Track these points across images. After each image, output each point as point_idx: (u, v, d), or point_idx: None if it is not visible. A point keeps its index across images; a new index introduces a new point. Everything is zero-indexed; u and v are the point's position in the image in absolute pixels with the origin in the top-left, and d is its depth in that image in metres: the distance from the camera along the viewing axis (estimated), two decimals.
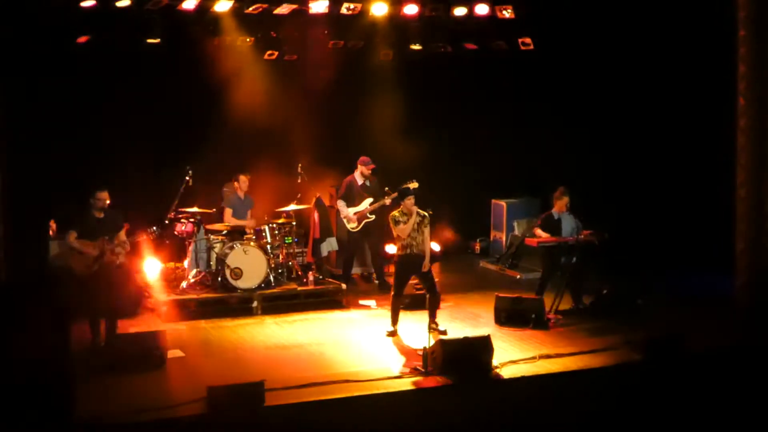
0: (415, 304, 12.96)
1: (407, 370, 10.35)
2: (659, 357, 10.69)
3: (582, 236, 12.71)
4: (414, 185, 14.18)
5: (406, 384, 9.98)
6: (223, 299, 13.11)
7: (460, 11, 14.78)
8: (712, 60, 13.91)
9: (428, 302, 11.98)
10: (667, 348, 10.83)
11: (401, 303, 12.10)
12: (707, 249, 14.17)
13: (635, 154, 15.64)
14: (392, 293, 11.97)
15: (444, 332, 11.81)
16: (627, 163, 15.67)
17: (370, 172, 14.41)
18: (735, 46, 12.10)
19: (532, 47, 15.52)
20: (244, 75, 15.20)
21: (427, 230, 11.90)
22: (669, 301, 13.26)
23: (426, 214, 11.88)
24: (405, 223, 11.74)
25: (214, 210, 14.24)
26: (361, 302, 13.74)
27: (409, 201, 11.82)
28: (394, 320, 11.97)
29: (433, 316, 11.92)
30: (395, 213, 11.87)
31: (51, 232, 12.74)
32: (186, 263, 14.05)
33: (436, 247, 11.64)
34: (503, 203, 16.93)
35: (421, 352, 10.42)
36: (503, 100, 16.65)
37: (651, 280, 13.85)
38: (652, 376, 10.42)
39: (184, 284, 13.38)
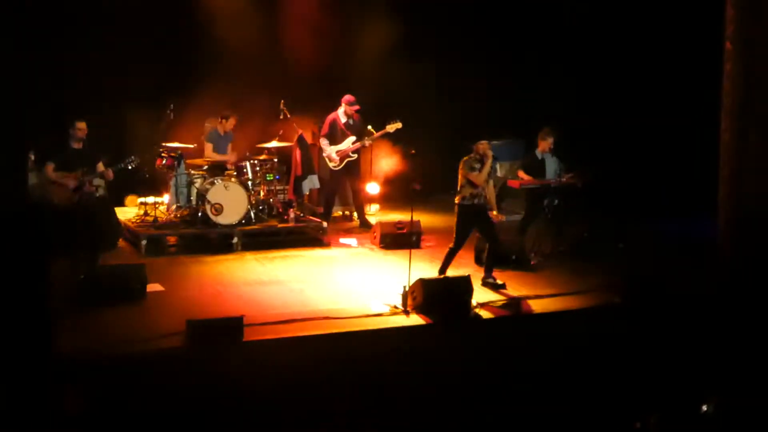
0: (395, 243, 12.98)
1: (387, 309, 10.35)
2: (639, 300, 10.74)
3: (565, 178, 12.71)
4: (397, 125, 14.15)
5: (384, 322, 10.00)
6: (203, 235, 13.06)
7: None
8: (700, 5, 13.80)
9: (487, 254, 11.45)
10: (647, 291, 10.88)
11: (455, 255, 11.31)
12: (690, 195, 14.18)
13: (622, 98, 15.57)
14: (451, 246, 11.24)
15: (503, 286, 11.25)
16: (613, 106, 15.60)
17: (353, 111, 14.31)
18: None
19: None
20: (227, 9, 14.98)
21: (491, 181, 11.27)
22: (650, 245, 13.31)
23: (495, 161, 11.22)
24: (480, 170, 11.06)
25: (195, 145, 14.13)
26: (342, 240, 13.73)
27: (482, 145, 11.08)
28: (444, 270, 11.28)
29: (489, 270, 11.39)
30: (468, 158, 11.11)
31: (29, 164, 12.62)
32: (166, 198, 13.97)
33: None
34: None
35: (400, 292, 10.42)
36: (490, 39, 16.50)
37: (633, 224, 13.88)
38: (631, 319, 10.46)
39: (164, 219, 13.31)
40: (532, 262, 12.35)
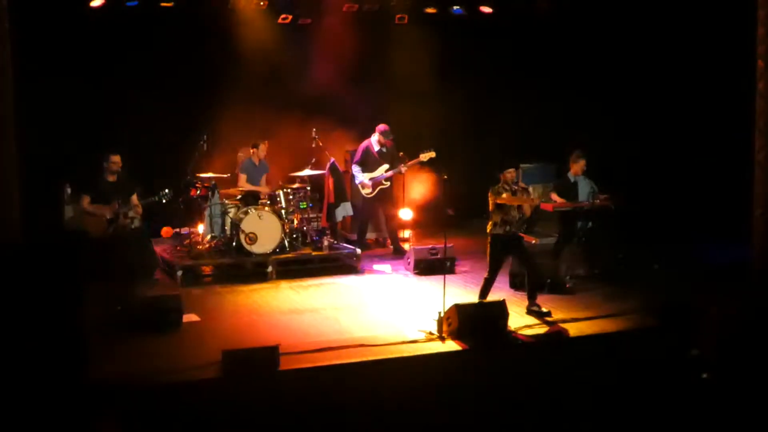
0: (429, 269, 12.97)
1: (422, 335, 10.31)
2: (675, 322, 10.64)
3: (598, 201, 12.65)
4: (431, 154, 14.14)
5: (420, 349, 9.95)
6: (237, 264, 13.11)
7: None
8: (730, 25, 13.76)
9: (528, 283, 11.31)
10: (683, 314, 10.77)
11: (492, 284, 11.20)
12: (724, 217, 14.07)
13: (651, 121, 15.53)
14: (486, 276, 11.15)
15: (548, 314, 11.05)
16: (643, 129, 15.56)
17: (387, 140, 14.33)
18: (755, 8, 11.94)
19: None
20: (258, 39, 15.11)
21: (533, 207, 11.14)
22: (685, 267, 13.19)
23: (528, 188, 11.18)
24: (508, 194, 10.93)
25: (229, 175, 14.21)
26: (376, 267, 13.73)
27: (510, 174, 11.02)
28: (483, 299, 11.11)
29: (533, 298, 11.21)
30: (497, 187, 11.04)
31: (65, 196, 12.77)
32: (201, 228, 14.05)
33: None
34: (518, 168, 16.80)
35: (435, 318, 10.40)
36: (519, 64, 16.53)
37: (666, 246, 13.79)
38: (667, 342, 10.36)
39: (198, 249, 13.38)
40: (567, 285, 12.29)
